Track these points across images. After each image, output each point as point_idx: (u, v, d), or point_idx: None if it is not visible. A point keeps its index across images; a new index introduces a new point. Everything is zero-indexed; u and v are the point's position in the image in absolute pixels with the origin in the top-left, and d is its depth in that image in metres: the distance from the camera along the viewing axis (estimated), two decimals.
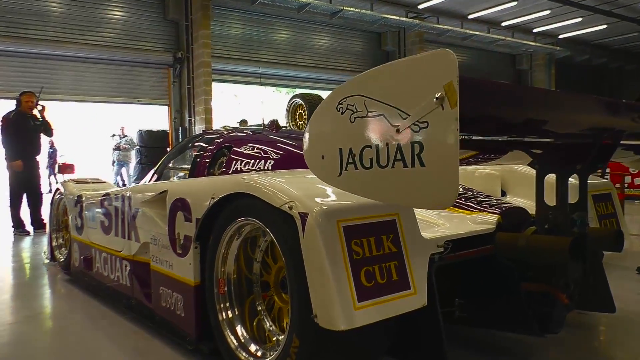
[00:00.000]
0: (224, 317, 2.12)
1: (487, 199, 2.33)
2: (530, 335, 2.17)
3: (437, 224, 2.09)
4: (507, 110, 1.37)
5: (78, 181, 4.43)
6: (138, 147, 13.49)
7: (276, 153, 2.88)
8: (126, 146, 13.98)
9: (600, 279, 2.57)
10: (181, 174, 3.78)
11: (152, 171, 4.13)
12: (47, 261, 4.77)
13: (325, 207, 1.59)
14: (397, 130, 1.23)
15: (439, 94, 1.11)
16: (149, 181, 4.02)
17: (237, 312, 2.13)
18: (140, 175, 12.74)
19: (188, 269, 2.30)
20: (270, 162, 2.85)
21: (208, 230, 2.18)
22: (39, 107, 7.13)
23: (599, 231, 2.04)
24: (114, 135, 14.32)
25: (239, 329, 2.09)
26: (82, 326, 2.97)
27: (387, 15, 16.51)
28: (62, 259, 4.37)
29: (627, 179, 8.44)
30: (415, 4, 16.99)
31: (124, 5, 13.66)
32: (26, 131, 6.93)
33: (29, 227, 7.01)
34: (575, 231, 1.95)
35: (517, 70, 22.25)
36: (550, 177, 1.93)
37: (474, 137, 1.67)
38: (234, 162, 3.07)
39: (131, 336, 2.73)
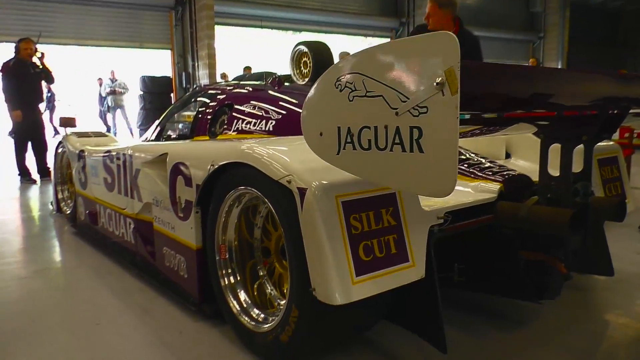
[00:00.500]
0: (226, 282, 2.15)
1: (490, 166, 2.30)
2: (526, 301, 2.20)
3: None
4: (511, 90, 1.32)
5: (80, 135, 4.41)
6: (142, 92, 13.34)
7: (278, 113, 2.83)
8: (120, 90, 13.79)
9: (600, 242, 2.57)
10: (186, 123, 3.74)
11: (155, 123, 4.09)
12: (54, 213, 4.85)
13: (324, 182, 1.57)
14: (396, 113, 1.19)
15: (440, 79, 1.07)
16: (152, 134, 3.99)
17: (239, 278, 2.15)
18: (145, 122, 12.67)
19: (190, 232, 2.32)
20: (271, 123, 2.81)
21: (208, 196, 2.18)
22: (39, 54, 7.02)
23: (601, 201, 2.02)
24: (100, 79, 14.05)
25: (242, 295, 2.12)
26: (90, 282, 3.04)
27: None
28: (69, 212, 4.43)
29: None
30: None
31: None
32: (27, 79, 6.85)
33: (35, 176, 7.06)
34: (577, 201, 1.94)
35: (530, 12, 21.45)
36: (556, 145, 1.89)
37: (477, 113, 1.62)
38: (236, 121, 3.03)
39: (137, 293, 2.80)
